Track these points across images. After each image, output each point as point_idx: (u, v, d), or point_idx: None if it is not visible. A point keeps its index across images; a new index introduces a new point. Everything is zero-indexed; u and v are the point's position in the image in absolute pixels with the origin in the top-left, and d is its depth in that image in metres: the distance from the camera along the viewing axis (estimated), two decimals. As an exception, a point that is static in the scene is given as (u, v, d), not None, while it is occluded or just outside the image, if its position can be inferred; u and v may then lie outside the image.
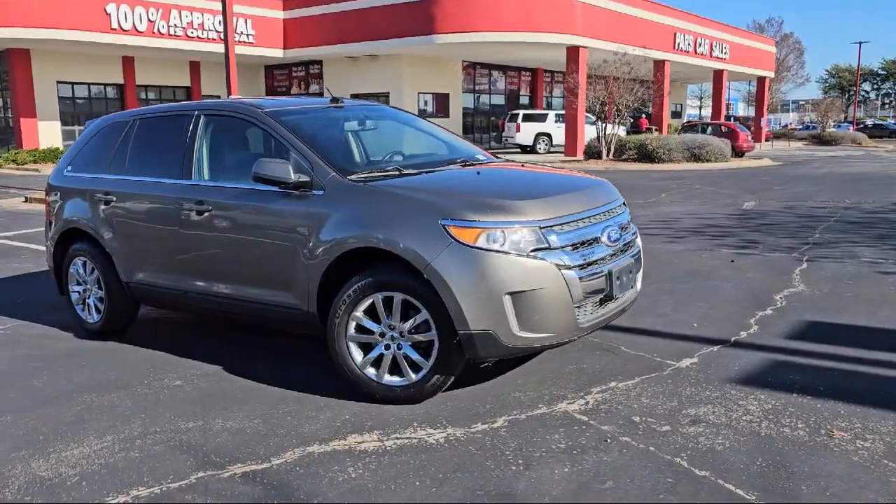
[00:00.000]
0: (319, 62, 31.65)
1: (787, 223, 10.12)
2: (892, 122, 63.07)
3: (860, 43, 54.59)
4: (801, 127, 61.75)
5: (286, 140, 4.26)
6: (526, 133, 30.73)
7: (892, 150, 37.28)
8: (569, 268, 3.67)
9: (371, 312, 3.85)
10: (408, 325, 3.76)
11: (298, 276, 4.08)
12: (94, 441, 3.57)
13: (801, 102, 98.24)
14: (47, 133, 27.00)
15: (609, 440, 3.35)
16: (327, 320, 4.04)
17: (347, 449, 3.38)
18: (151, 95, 30.84)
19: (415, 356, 3.78)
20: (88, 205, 5.23)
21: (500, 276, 3.54)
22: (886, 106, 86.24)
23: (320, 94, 30.86)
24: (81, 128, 28.55)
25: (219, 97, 32.69)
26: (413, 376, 3.79)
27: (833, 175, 19.47)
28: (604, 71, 23.12)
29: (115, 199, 5.04)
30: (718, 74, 38.50)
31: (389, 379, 3.84)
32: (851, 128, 52.55)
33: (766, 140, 41.85)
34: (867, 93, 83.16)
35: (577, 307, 3.73)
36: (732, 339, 4.77)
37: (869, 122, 64.66)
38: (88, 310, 5.40)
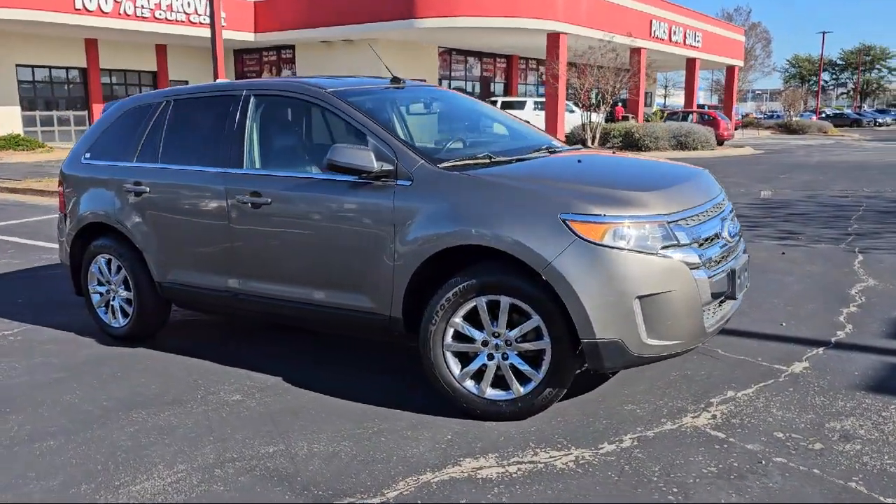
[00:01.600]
0: (292, 47, 30.78)
1: (816, 213, 9.92)
2: (851, 111, 64.31)
3: (824, 33, 55.38)
4: (763, 116, 62.54)
5: (361, 124, 3.78)
6: (498, 127, 30.29)
7: (860, 138, 37.88)
8: (698, 266, 3.29)
9: (471, 318, 3.42)
10: (515, 332, 3.34)
11: (379, 277, 3.62)
12: (164, 471, 3.08)
13: (757, 92, 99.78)
14: (6, 119, 25.70)
15: (763, 462, 2.98)
16: (413, 327, 3.62)
17: (467, 477, 2.95)
18: (116, 80, 29.65)
19: (523, 367, 3.36)
20: (114, 196, 4.67)
21: (630, 277, 3.14)
22: (844, 95, 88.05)
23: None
24: (44, 113, 27.55)
25: (187, 82, 31.66)
26: (521, 389, 3.37)
27: (829, 164, 19.48)
28: (589, 58, 22.84)
29: (148, 190, 4.49)
30: (691, 63, 38.56)
31: (492, 393, 3.42)
32: (814, 117, 53.33)
33: (736, 129, 42.17)
34: (826, 82, 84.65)
35: (704, 310, 3.35)
36: (832, 339, 4.45)
37: (828, 111, 65.83)
38: (113, 313, 4.85)
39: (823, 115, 56.39)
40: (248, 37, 29.19)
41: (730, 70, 44.08)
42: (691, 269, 3.25)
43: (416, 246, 3.46)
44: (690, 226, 3.37)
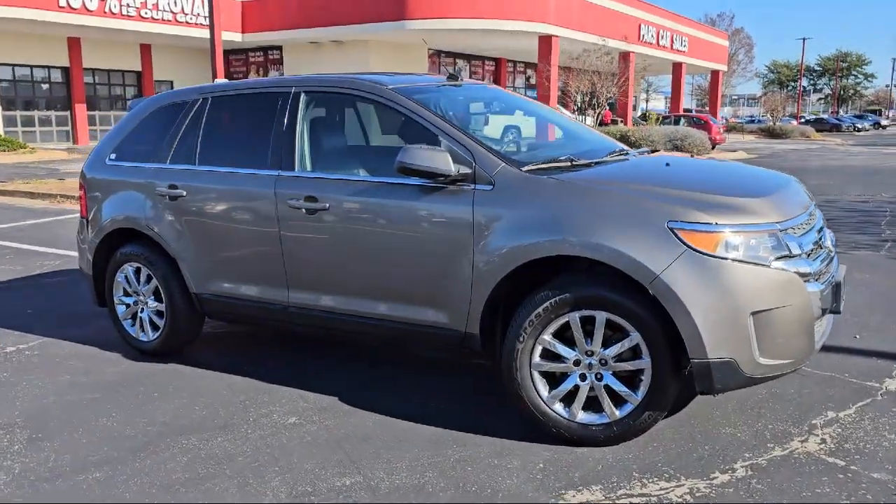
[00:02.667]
0: (279, 47, 30.32)
1: (842, 218, 9.78)
2: (831, 116, 65.02)
3: (804, 39, 55.95)
4: (745, 120, 62.99)
5: (432, 124, 3.48)
6: (493, 125, 30.08)
7: (843, 142, 38.19)
8: (809, 279, 3.04)
9: (560, 335, 3.14)
10: (611, 350, 3.07)
11: (454, 290, 3.33)
12: (235, 509, 2.77)
13: (733, 97, 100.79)
14: (-14, 118, 25.03)
15: (898, 493, 2.74)
16: (493, 343, 3.34)
17: (577, 513, 2.68)
18: (99, 80, 29.00)
19: (620, 388, 3.09)
20: (145, 200, 4.33)
21: (744, 291, 2.88)
22: (821, 101, 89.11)
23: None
24: (25, 113, 26.82)
25: (172, 83, 31.10)
26: (616, 413, 3.10)
27: (832, 168, 19.42)
28: (585, 61, 22.69)
29: (185, 193, 4.16)
30: (678, 67, 38.67)
31: (584, 416, 3.14)
32: (794, 122, 53.81)
33: (721, 133, 42.32)
34: (804, 88, 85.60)
35: (816, 326, 3.11)
36: (915, 353, 4.24)
37: (807, 116, 66.52)
38: (141, 326, 4.51)
39: (804, 120, 56.93)
40: (235, 37, 28.68)
41: (714, 74, 44.30)
42: (804, 281, 3.00)
43: (501, 256, 3.17)
44: (798, 235, 3.12)
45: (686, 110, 42.54)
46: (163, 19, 26.00)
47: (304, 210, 3.71)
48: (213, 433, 3.42)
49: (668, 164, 3.72)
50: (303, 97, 3.90)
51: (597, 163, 3.58)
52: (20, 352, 4.68)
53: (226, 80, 4.32)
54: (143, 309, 4.50)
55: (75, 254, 7.97)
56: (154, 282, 4.37)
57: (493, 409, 3.58)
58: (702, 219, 2.92)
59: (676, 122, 27.42)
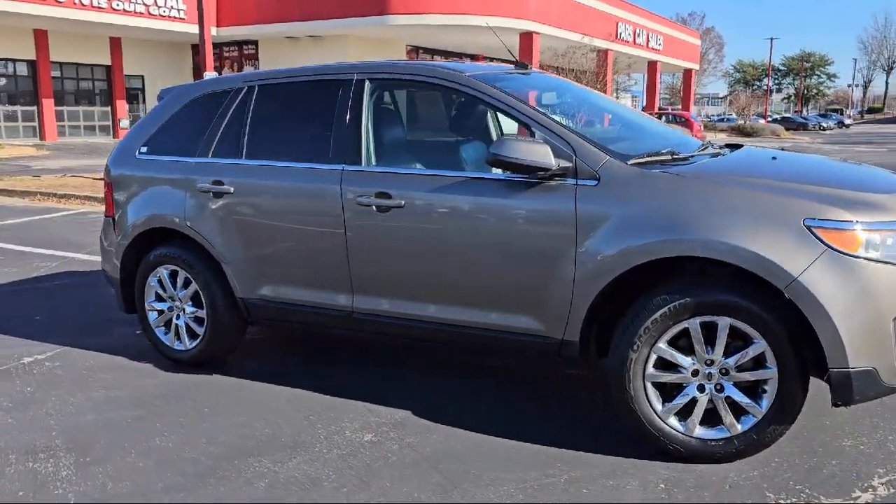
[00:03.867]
0: (255, 42, 29.69)
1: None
2: (796, 115, 66.16)
3: (771, 39, 56.79)
4: (715, 119, 63.75)
5: (524, 114, 3.20)
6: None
7: (812, 140, 38.84)
8: None
9: (674, 343, 2.89)
10: (734, 359, 2.82)
11: (552, 294, 3.06)
12: (339, 544, 2.46)
13: (698, 96, 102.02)
14: (-51, 113, 24.04)
15: None
16: (587, 352, 3.08)
17: (725, 541, 2.42)
18: (67, 74, 28.08)
19: (743, 400, 2.85)
20: (185, 198, 3.97)
21: (887, 294, 2.66)
22: (785, 100, 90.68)
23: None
24: (-12, 108, 25.81)
25: (142, 78, 30.29)
26: (737, 426, 2.86)
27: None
28: (570, 58, 22.58)
29: (232, 190, 3.81)
30: (653, 65, 38.91)
31: (702, 431, 2.89)
32: (762, 120, 54.59)
33: (701, 131, 42.72)
34: (766, 87, 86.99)
35: None
36: None
37: (774, 115, 67.60)
38: (177, 334, 4.16)
39: (771, 119, 57.81)
40: (210, 31, 27.99)
41: (687, 73, 44.68)
42: None
43: (610, 258, 2.91)
44: None
45: (661, 108, 42.80)
46: (135, 11, 25.27)
47: (374, 207, 3.40)
48: (286, 454, 3.10)
49: (774, 158, 3.49)
50: (367, 85, 3.59)
51: (694, 156, 3.34)
52: (39, 363, 4.29)
53: (255, 70, 3.95)
54: (178, 315, 4.15)
55: (72, 254, 7.57)
56: (193, 286, 4.02)
57: (587, 423, 3.32)
58: (842, 216, 2.69)
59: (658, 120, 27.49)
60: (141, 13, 25.40)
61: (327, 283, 3.63)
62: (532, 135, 3.15)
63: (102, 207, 11.04)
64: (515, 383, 3.83)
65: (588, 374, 3.42)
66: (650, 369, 2.90)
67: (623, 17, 33.40)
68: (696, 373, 2.87)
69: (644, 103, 41.06)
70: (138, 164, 4.23)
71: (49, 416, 3.56)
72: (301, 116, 3.80)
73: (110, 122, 29.46)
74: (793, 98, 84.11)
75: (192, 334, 4.12)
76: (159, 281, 4.17)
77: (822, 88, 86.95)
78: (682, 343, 2.89)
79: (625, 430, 3.05)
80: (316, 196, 3.57)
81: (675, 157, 3.21)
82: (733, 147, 3.78)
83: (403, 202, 3.33)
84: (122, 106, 29.33)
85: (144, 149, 4.25)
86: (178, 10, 26.54)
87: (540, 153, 2.98)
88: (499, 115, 3.74)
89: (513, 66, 3.93)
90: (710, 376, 2.86)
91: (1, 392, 3.85)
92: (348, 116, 3.57)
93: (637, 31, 34.96)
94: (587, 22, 29.00)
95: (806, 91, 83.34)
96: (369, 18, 24.88)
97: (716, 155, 3.44)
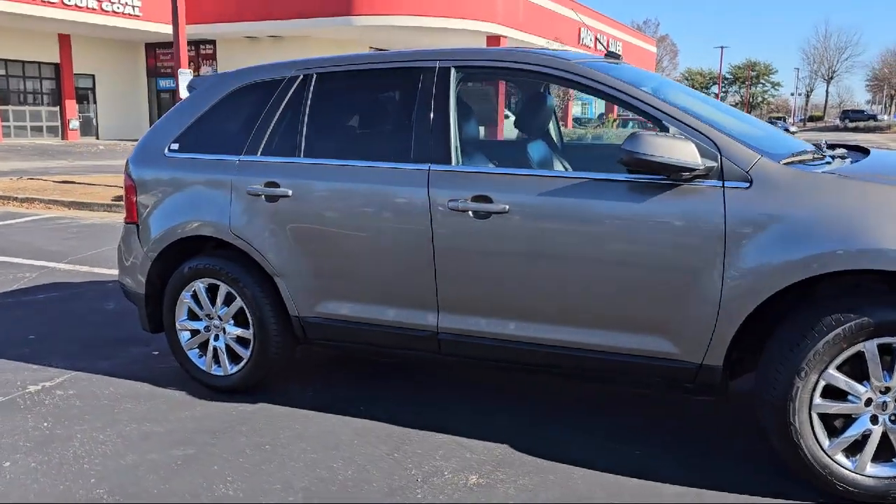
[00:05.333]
0: (213, 42, 28.76)
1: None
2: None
3: (722, 47, 58.04)
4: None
5: (654, 107, 2.81)
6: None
7: (766, 148, 39.63)
8: None
9: (841, 368, 2.54)
10: (912, 386, 2.48)
11: (691, 313, 2.67)
12: None
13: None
14: None
15: None
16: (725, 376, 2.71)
17: None
18: (12, 72, 26.69)
19: (923, 432, 2.51)
20: (230, 201, 3.46)
21: None
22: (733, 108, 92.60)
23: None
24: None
25: (93, 77, 29.03)
26: (915, 462, 2.52)
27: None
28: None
29: (290, 193, 3.32)
30: (612, 71, 39.19)
31: (875, 469, 2.54)
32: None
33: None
34: (716, 95, 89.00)
35: None
36: None
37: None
38: (215, 357, 3.64)
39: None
40: (165, 29, 26.88)
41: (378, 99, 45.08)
42: None
43: (768, 271, 2.53)
44: None
45: (620, 114, 43.15)
46: (87, 7, 24.16)
47: (470, 213, 2.96)
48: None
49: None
50: (453, 74, 3.15)
51: (827, 156, 3.00)
52: (50, 392, 3.71)
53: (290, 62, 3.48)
54: (217, 336, 3.63)
55: (52, 264, 6.87)
56: (237, 302, 3.51)
57: (717, 455, 2.94)
58: None
59: (624, 125, 27.58)
60: (93, 9, 24.30)
61: (406, 300, 3.17)
62: (662, 130, 2.76)
63: (71, 212, 10.28)
64: (616, 407, 3.44)
65: (713, 400, 3.04)
66: (817, 399, 2.53)
67: (585, 22, 33.51)
68: (868, 402, 2.52)
69: (604, 109, 41.33)
70: (169, 164, 3.70)
71: (80, 458, 3.01)
72: (372, 109, 3.35)
73: (59, 123, 28.12)
74: (739, 106, 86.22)
75: (234, 357, 3.62)
76: (194, 297, 3.65)
77: (766, 97, 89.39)
78: (846, 369, 2.53)
79: (765, 463, 2.68)
80: (396, 200, 3.12)
81: (815, 156, 2.87)
82: (849, 148, 3.46)
83: (508, 207, 2.90)
84: (72, 106, 28.04)
85: (175, 146, 3.72)
86: (133, 6, 25.49)
87: (685, 151, 2.59)
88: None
89: (604, 56, 3.53)
90: (884, 406, 2.51)
91: (13, 429, 3.28)
92: (433, 109, 3.12)
93: (598, 36, 35.12)
94: (552, 27, 28.97)
95: (752, 99, 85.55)
96: (333, 19, 24.31)
97: (843, 157, 3.11)
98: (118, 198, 10.93)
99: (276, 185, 3.36)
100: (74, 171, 15.58)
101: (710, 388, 2.76)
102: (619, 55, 3.58)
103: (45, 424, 3.34)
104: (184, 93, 11.48)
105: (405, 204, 3.09)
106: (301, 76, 3.49)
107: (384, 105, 3.31)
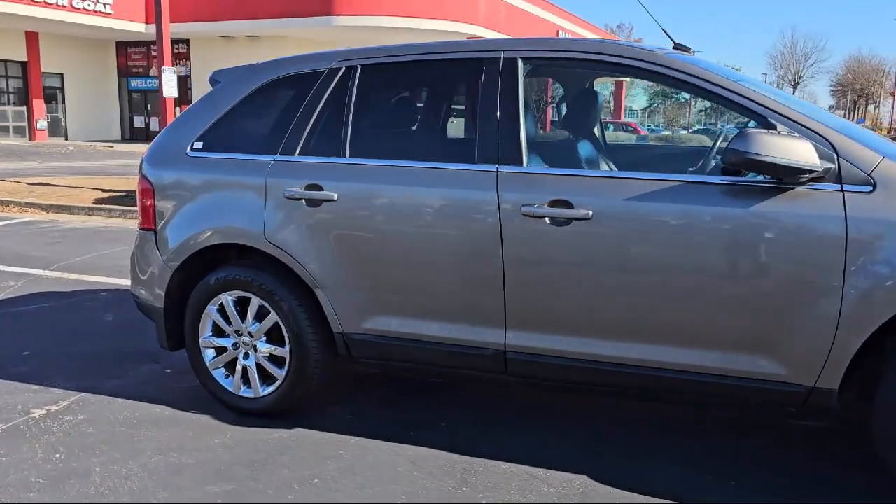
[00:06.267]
0: (186, 41, 28.09)
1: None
2: (713, 126, 68.37)
3: (695, 52, 58.48)
4: (648, 129, 65.14)
5: (760, 104, 2.55)
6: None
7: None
8: None
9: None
10: None
11: (804, 331, 2.41)
12: None
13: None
14: None
15: None
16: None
17: None
18: (-23, 70, 25.81)
19: None
20: (265, 206, 3.12)
21: None
22: (701, 112, 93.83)
23: (187, 77, 27.46)
24: None
25: (62, 76, 28.20)
26: None
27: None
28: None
29: (335, 197, 2.99)
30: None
31: None
32: (683, 132, 56.13)
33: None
34: (686, 99, 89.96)
35: None
36: None
37: (695, 127, 69.66)
38: (245, 377, 3.30)
39: (693, 130, 59.52)
40: (137, 27, 26.34)
41: (619, 84, 45.35)
42: None
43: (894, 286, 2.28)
44: None
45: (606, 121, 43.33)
46: (56, 4, 23.41)
47: (547, 220, 2.67)
48: (469, 549, 2.32)
49: None
50: (522, 65, 2.86)
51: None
52: (57, 417, 3.33)
53: (376, 46, 3.16)
54: (247, 354, 3.29)
55: (37, 272, 6.41)
56: (271, 317, 3.18)
57: (829, 493, 2.68)
58: None
59: (605, 129, 27.58)
60: (63, 6, 23.56)
61: (469, 315, 2.86)
62: (769, 129, 2.50)
63: (50, 216, 9.77)
64: (699, 432, 3.16)
65: (820, 425, 2.79)
66: (951, 426, 2.28)
67: (564, 25, 33.51)
68: None
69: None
70: (192, 164, 3.34)
71: (103, 496, 2.65)
72: (427, 104, 3.05)
73: (26, 123, 27.24)
74: (709, 110, 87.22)
75: (267, 377, 3.28)
76: (221, 311, 3.30)
77: None
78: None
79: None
80: (459, 204, 2.81)
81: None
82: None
83: (591, 212, 2.61)
84: (40, 106, 27.18)
85: (199, 144, 3.37)
86: (104, 3, 24.78)
87: (803, 152, 2.33)
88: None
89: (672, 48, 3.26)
90: None
91: (20, 462, 2.90)
92: (499, 105, 2.82)
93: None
94: (532, 29, 28.86)
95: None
96: (313, 19, 23.88)
97: None
98: (99, 201, 10.45)
99: (319, 188, 3.03)
100: (46, 173, 14.98)
101: (821, 412, 2.49)
102: (689, 47, 3.32)
103: (57, 456, 2.96)
104: (167, 91, 11.03)
105: (470, 209, 2.78)
106: (343, 68, 3.16)
107: (440, 100, 3.02)
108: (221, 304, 3.29)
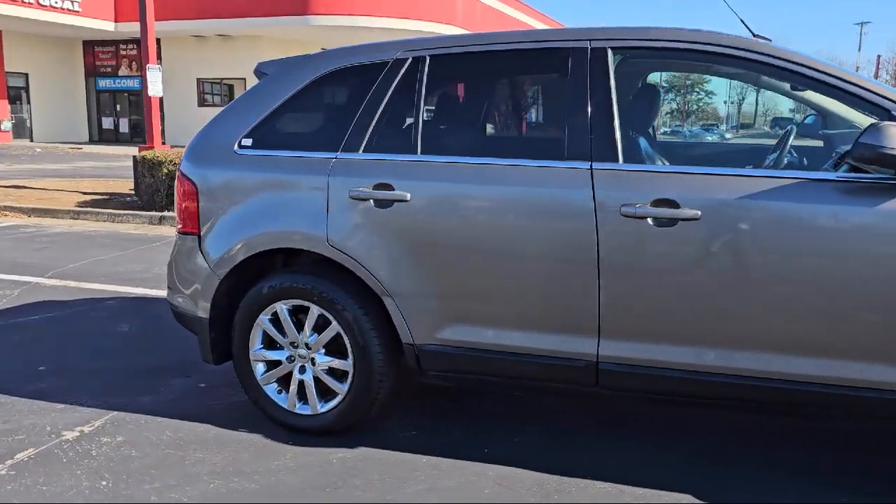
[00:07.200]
0: (157, 40, 27.37)
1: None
2: (684, 129, 69.21)
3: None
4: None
5: (881, 96, 2.40)
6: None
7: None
8: None
9: None
10: None
11: (935, 337, 2.27)
12: None
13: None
14: None
15: None
16: None
17: None
18: (-63, 69, 24.88)
19: None
20: (327, 207, 2.89)
21: None
22: (667, 115, 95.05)
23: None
24: None
25: (26, 75, 27.35)
26: None
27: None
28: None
29: (408, 197, 2.77)
30: (562, 77, 39.40)
31: None
32: (653, 133, 56.59)
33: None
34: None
35: None
36: None
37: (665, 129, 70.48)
38: (300, 392, 3.06)
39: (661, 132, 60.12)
40: (106, 26, 25.65)
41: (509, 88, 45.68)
42: None
43: None
44: None
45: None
46: (23, 1, 22.65)
47: (650, 220, 2.49)
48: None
49: None
50: (611, 55, 2.67)
51: None
52: (93, 439, 3.06)
53: (438, 36, 2.95)
54: (303, 368, 3.05)
55: (33, 279, 6.03)
56: (333, 327, 2.94)
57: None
58: None
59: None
60: (29, 3, 22.84)
61: (557, 323, 2.66)
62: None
63: (33, 220, 9.33)
64: (805, 443, 3.01)
65: None
66: None
67: (539, 27, 33.53)
68: None
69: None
70: (241, 163, 3.09)
71: (167, 530, 2.40)
72: (505, 97, 2.84)
73: (-11, 124, 26.38)
74: (675, 113, 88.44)
75: (326, 393, 3.04)
76: (274, 321, 3.06)
77: (700, 105, 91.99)
78: None
79: None
80: (548, 205, 2.61)
81: None
82: None
83: (700, 213, 2.44)
84: (4, 106, 26.33)
85: (248, 141, 3.12)
86: (73, 1, 24.05)
87: (942, 145, 2.18)
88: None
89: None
90: None
91: (63, 492, 2.63)
92: (590, 97, 2.63)
93: (550, 42, 35.29)
94: (507, 29, 28.85)
95: (687, 106, 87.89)
96: (289, 18, 23.51)
97: None
98: (82, 204, 10.04)
99: (390, 188, 2.80)
100: (18, 176, 14.43)
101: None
102: (769, 38, 3.17)
103: (104, 483, 2.70)
104: (153, 90, 10.64)
105: (561, 209, 2.59)
106: (410, 59, 2.94)
107: (520, 93, 2.82)
108: (275, 314, 3.05)
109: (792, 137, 3.27)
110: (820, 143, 3.38)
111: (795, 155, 3.17)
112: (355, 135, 2.93)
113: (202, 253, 3.14)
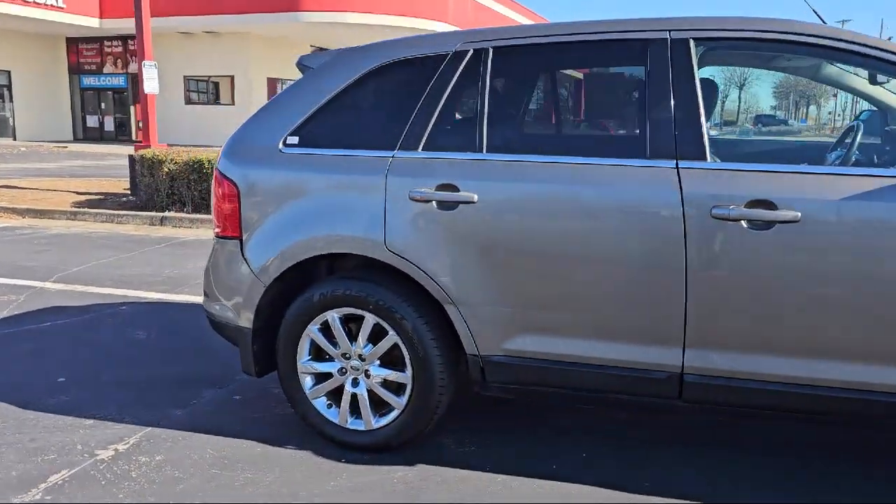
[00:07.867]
0: (143, 37, 26.95)
1: None
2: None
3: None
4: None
5: None
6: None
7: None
8: None
9: None
10: None
11: None
12: None
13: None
14: None
15: None
16: None
17: None
18: (-84, 66, 24.30)
19: None
20: (385, 210, 2.70)
21: None
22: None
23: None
24: None
25: (9, 73, 26.82)
26: None
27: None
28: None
29: (475, 199, 2.59)
30: (550, 74, 39.33)
31: None
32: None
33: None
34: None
35: None
36: None
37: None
38: (352, 407, 2.87)
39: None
40: (91, 22, 25.19)
41: (578, 83, 45.61)
42: None
43: None
44: None
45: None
46: (2, -3, 22.15)
47: (744, 223, 2.32)
48: None
49: None
50: (693, 46, 2.50)
51: None
52: (129, 458, 2.85)
53: (494, 27, 2.77)
54: (356, 381, 2.86)
55: (37, 283, 5.76)
56: (390, 337, 2.75)
57: None
58: None
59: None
60: (10, -1, 22.32)
61: (639, 333, 2.49)
62: None
63: (28, 221, 9.03)
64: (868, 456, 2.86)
65: None
66: None
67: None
68: None
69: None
70: (287, 163, 2.89)
71: (229, 562, 2.20)
72: (574, 92, 2.65)
73: (-29, 123, 25.83)
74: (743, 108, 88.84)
75: (380, 406, 2.86)
76: (324, 331, 2.86)
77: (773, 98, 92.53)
78: None
79: None
80: (629, 207, 2.44)
81: None
82: None
83: (800, 215, 2.28)
84: (-14, 104, 25.80)
85: (294, 140, 2.92)
86: (56, -4, 23.59)
87: None
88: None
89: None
90: None
91: (110, 519, 2.43)
92: (673, 92, 2.47)
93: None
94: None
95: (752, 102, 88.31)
96: (278, 14, 23.18)
97: None
98: (77, 204, 9.75)
99: (455, 189, 2.62)
100: (6, 175, 14.07)
101: None
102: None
103: (150, 509, 2.50)
104: (149, 88, 10.36)
105: (644, 211, 2.42)
106: (471, 51, 2.76)
107: (594, 87, 2.64)
108: (325, 324, 2.85)
109: (860, 134, 3.13)
110: (878, 140, 3.25)
111: (860, 153, 3.03)
112: (413, 132, 2.74)
113: (244, 259, 2.94)
